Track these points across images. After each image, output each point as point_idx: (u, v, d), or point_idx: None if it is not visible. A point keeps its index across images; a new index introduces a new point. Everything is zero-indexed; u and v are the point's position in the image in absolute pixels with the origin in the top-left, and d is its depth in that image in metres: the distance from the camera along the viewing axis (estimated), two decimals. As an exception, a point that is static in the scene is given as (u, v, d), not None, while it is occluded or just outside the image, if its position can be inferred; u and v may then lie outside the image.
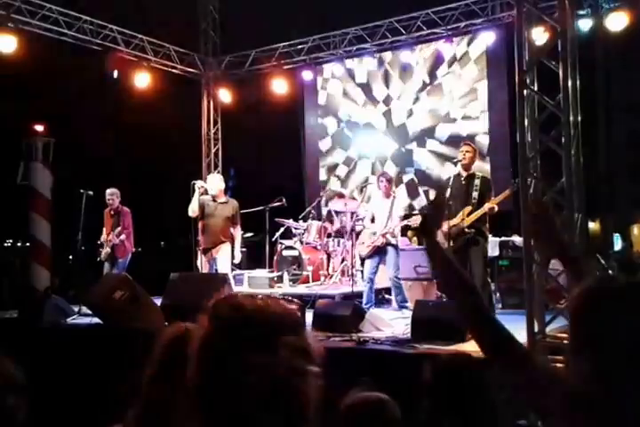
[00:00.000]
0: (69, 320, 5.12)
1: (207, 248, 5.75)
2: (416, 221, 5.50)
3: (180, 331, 1.37)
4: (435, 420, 1.59)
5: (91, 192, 6.13)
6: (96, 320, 4.74)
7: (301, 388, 0.81)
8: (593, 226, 7.59)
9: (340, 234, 6.96)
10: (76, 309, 5.24)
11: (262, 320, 0.84)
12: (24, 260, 9.05)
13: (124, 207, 6.58)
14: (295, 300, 0.98)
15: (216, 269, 5.68)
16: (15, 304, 5.55)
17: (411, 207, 8.88)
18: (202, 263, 5.77)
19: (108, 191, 6.52)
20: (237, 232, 5.89)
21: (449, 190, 4.79)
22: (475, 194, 4.69)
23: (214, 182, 5.89)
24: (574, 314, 1.15)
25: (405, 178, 9.18)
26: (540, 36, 4.51)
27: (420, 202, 9.01)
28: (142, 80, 8.18)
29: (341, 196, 7.04)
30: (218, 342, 0.83)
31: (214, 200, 5.79)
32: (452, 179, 4.86)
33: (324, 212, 7.71)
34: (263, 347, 0.81)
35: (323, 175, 9.85)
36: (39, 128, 8.80)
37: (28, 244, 9.04)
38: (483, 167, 7.71)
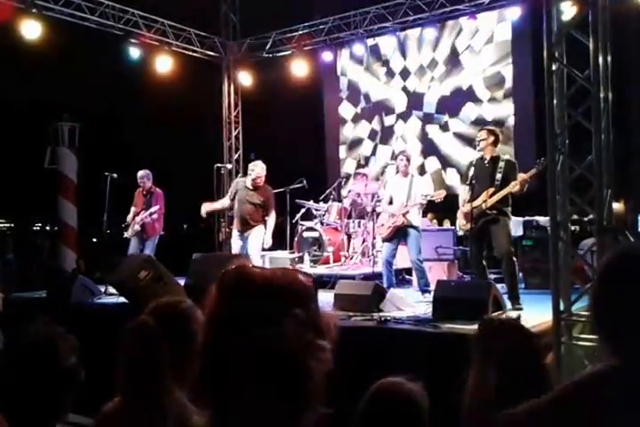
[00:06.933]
0: (96, 300, 5.24)
1: (240, 230, 5.83)
2: (440, 195, 5.29)
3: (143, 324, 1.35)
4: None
5: (115, 175, 6.18)
6: (122, 299, 4.84)
7: (307, 362, 0.78)
8: (617, 206, 7.38)
9: (360, 215, 6.91)
10: (102, 288, 5.35)
11: (269, 291, 0.81)
12: (53, 242, 9.31)
13: (157, 189, 6.59)
14: (308, 272, 0.94)
15: (246, 250, 5.73)
16: (44, 285, 5.68)
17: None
18: (235, 242, 5.84)
19: (139, 174, 6.54)
20: (271, 218, 5.83)
21: (471, 173, 4.69)
22: (498, 176, 4.59)
23: (257, 168, 5.80)
24: (601, 273, 1.13)
25: (428, 165, 9.08)
26: (567, 10, 4.35)
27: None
28: (164, 64, 8.21)
29: (362, 177, 6.95)
30: (222, 312, 0.80)
31: (247, 187, 5.79)
32: (474, 162, 4.75)
33: (344, 193, 7.68)
34: (268, 319, 0.78)
35: (343, 155, 9.81)
36: (65, 114, 8.96)
37: (56, 227, 9.28)
38: (507, 150, 7.56)
